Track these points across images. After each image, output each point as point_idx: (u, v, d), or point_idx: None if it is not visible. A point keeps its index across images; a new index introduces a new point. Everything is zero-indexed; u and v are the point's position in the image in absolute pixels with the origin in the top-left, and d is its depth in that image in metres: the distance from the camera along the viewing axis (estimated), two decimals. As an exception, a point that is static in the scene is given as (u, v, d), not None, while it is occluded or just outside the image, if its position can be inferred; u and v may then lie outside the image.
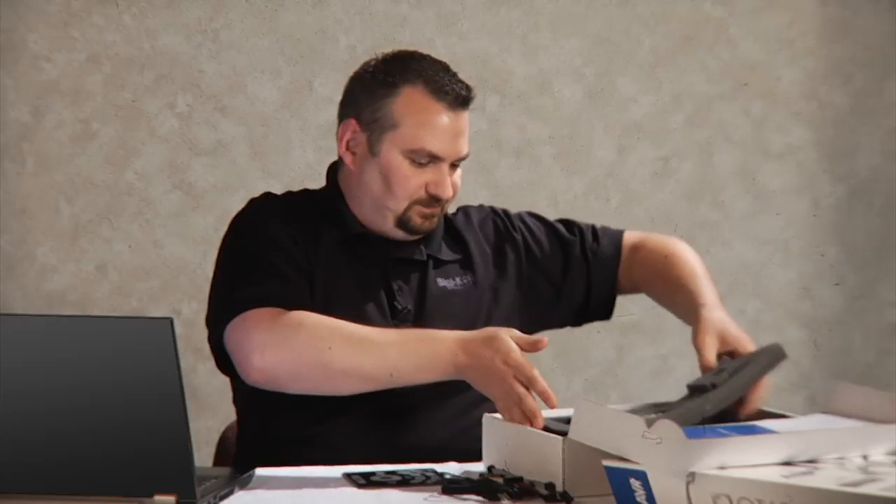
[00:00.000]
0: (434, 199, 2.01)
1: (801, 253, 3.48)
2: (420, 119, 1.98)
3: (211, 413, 3.12)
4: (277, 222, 2.02)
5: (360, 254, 2.05)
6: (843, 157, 3.49)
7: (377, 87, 2.01)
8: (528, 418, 1.75)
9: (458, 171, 2.04)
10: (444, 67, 2.03)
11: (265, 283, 1.94)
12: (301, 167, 3.24)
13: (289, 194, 2.13)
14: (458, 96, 2.00)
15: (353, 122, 2.04)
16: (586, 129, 3.39)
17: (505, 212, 2.21)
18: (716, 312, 1.96)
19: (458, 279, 2.09)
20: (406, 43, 3.27)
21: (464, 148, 2.02)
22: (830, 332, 3.46)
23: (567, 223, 2.20)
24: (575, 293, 2.17)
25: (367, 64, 2.06)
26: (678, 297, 2.06)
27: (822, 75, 3.46)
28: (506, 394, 1.78)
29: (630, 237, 2.20)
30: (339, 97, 3.35)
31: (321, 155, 3.24)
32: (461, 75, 2.06)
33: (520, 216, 2.21)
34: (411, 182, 1.99)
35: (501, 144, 3.34)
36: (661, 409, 1.78)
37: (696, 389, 1.79)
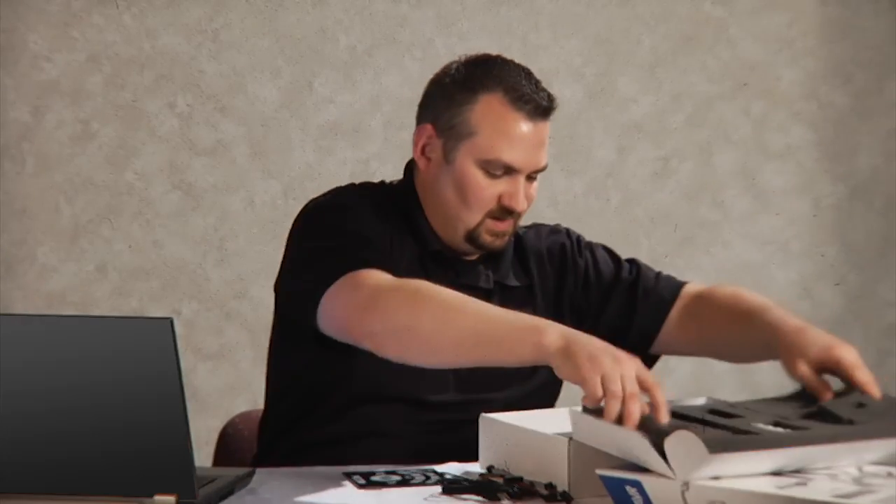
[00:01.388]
0: (506, 211, 1.94)
1: (802, 253, 3.48)
2: (497, 128, 1.92)
3: (211, 413, 3.13)
4: (371, 214, 1.95)
5: (431, 273, 1.95)
6: (843, 157, 3.49)
7: (456, 92, 1.95)
8: (627, 418, 1.53)
9: (535, 184, 1.97)
10: (526, 75, 1.96)
11: (364, 251, 1.87)
12: (301, 167, 3.24)
13: (371, 192, 2.04)
14: (538, 106, 1.94)
15: (429, 128, 1.97)
16: (586, 129, 3.39)
17: (579, 238, 2.13)
18: (808, 333, 1.86)
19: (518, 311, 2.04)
20: (406, 43, 3.28)
21: (542, 160, 1.96)
22: (830, 332, 3.45)
23: (631, 260, 2.10)
24: (613, 325, 2.04)
25: (447, 67, 1.99)
26: (756, 322, 1.91)
27: (822, 75, 3.46)
28: (611, 379, 1.56)
29: (693, 287, 2.07)
30: (339, 97, 3.37)
31: (321, 155, 3.24)
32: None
33: (590, 245, 2.12)
34: (485, 193, 1.93)
35: (501, 144, 3.33)
36: (781, 416, 1.64)
37: (826, 415, 1.64)
